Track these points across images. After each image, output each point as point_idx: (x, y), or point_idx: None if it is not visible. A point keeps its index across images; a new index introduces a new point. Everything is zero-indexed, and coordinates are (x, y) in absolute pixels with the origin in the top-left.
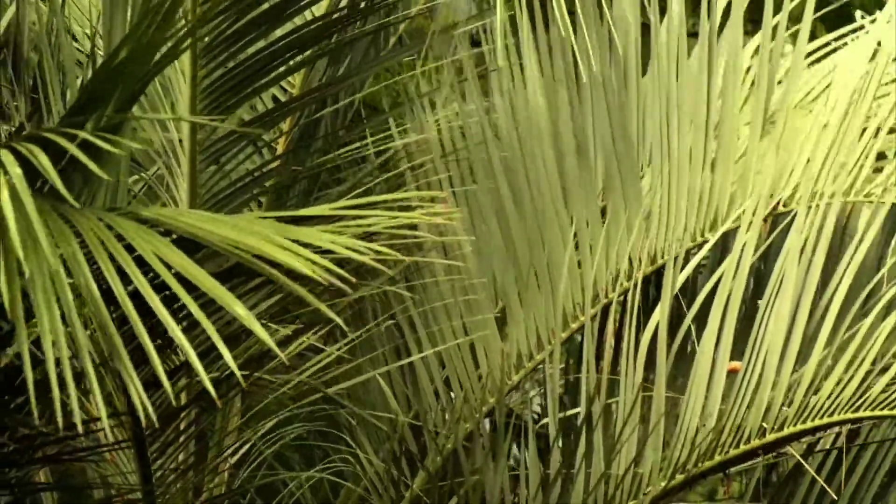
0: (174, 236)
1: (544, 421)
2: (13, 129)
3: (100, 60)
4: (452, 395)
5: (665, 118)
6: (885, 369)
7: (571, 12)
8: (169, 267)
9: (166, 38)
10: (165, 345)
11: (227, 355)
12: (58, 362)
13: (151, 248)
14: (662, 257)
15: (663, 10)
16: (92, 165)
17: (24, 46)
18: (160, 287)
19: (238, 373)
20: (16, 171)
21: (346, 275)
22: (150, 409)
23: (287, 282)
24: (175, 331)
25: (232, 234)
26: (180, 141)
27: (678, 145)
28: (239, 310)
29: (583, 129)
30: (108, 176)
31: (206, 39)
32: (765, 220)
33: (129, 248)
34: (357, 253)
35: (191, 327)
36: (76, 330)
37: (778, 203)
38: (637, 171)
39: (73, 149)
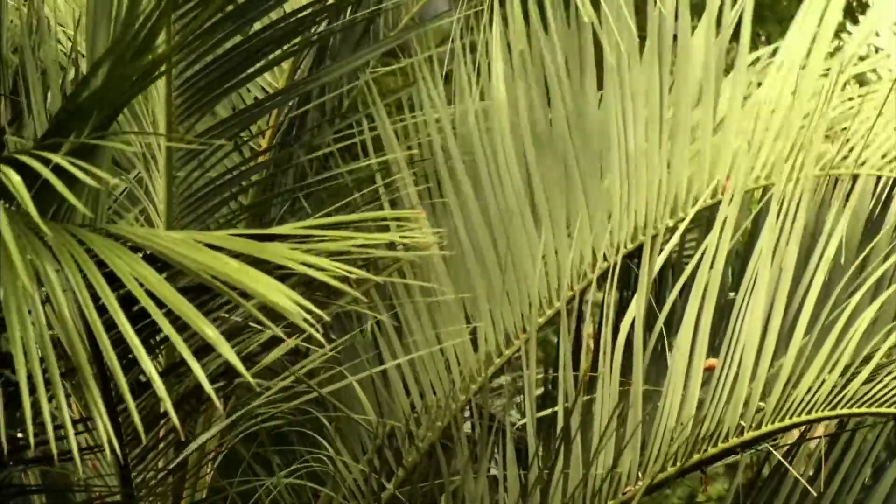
0: (147, 252)
1: (522, 421)
2: None
3: (81, 63)
4: (425, 395)
5: (622, 110)
6: (863, 364)
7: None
8: (141, 283)
9: (144, 64)
10: (154, 346)
11: (197, 370)
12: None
13: (124, 266)
14: (626, 247)
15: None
16: (67, 193)
17: (3, 48)
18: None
19: (209, 388)
20: None
21: (307, 303)
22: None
23: (252, 309)
24: (139, 351)
25: (201, 258)
26: (157, 141)
27: (635, 137)
28: (205, 328)
29: (543, 125)
30: (89, 189)
31: (181, 35)
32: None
33: (103, 265)
34: (327, 272)
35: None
36: (46, 347)
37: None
38: (597, 164)
39: (46, 172)
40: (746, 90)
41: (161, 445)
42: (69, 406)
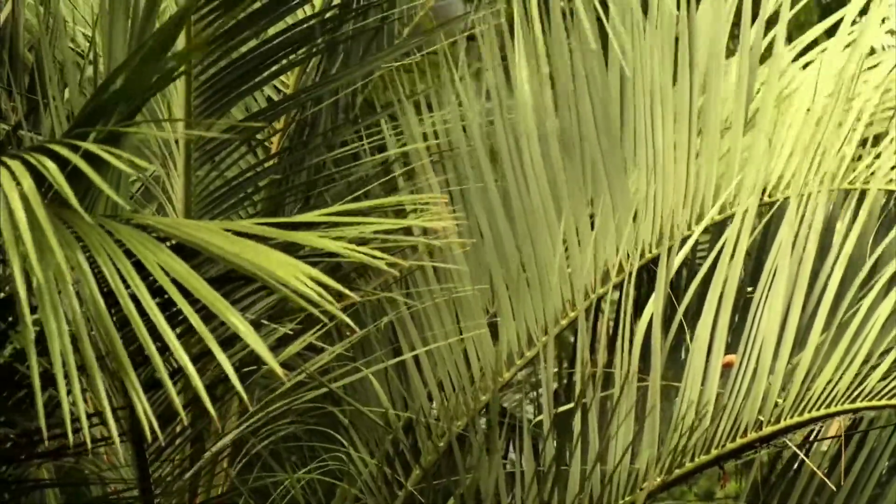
0: (172, 242)
1: (539, 418)
2: (10, 128)
3: (100, 61)
4: (445, 394)
5: (649, 113)
6: (881, 357)
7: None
8: (168, 273)
9: (165, 61)
10: (166, 346)
11: (224, 362)
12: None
13: (153, 257)
14: (651, 251)
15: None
16: (95, 177)
17: (19, 45)
18: (158, 290)
19: (236, 381)
20: (27, 181)
21: (338, 286)
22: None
23: (282, 289)
24: (170, 337)
25: (229, 246)
26: (175, 140)
27: (662, 139)
28: (234, 320)
29: (568, 127)
30: (110, 182)
31: (200, 39)
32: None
33: (129, 254)
34: (352, 254)
35: (192, 329)
36: (82, 337)
37: (764, 192)
38: (623, 166)
39: (78, 160)
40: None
41: (178, 441)
42: (84, 400)
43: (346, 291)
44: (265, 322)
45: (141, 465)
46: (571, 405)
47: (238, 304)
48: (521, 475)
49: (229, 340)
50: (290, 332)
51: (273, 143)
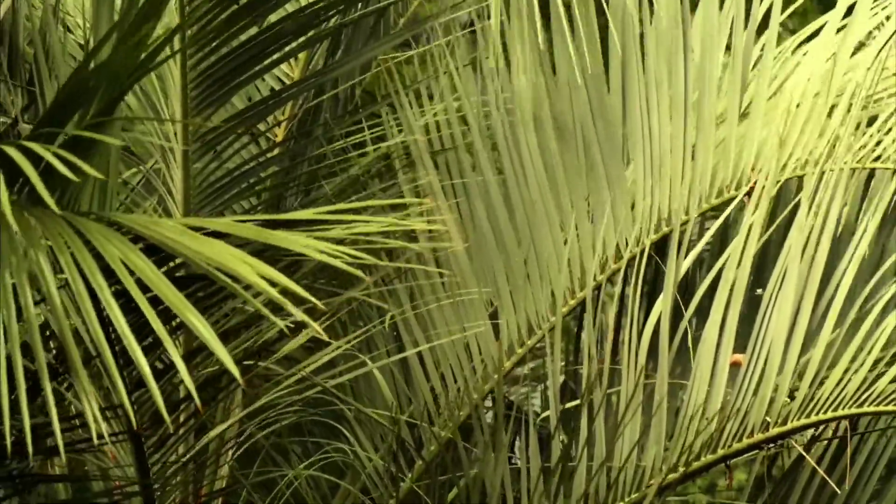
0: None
1: (545, 413)
2: (9, 122)
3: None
4: (447, 385)
5: (644, 99)
6: (890, 363)
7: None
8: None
9: (152, 35)
10: (171, 332)
11: (185, 375)
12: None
13: (118, 255)
14: (648, 236)
15: None
16: (39, 185)
17: (19, 39)
18: (146, 288)
19: (196, 397)
20: None
21: (302, 290)
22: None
23: (255, 302)
24: (134, 349)
25: (203, 250)
26: (174, 132)
27: (658, 126)
28: (198, 324)
29: (565, 115)
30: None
31: (196, 27)
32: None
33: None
34: (339, 259)
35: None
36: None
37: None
38: (620, 153)
39: (51, 158)
40: (773, 80)
41: (181, 432)
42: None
43: (322, 307)
44: (264, 315)
45: (140, 459)
46: (577, 402)
47: (235, 300)
48: (527, 470)
49: (231, 333)
50: (291, 325)
51: (278, 133)
